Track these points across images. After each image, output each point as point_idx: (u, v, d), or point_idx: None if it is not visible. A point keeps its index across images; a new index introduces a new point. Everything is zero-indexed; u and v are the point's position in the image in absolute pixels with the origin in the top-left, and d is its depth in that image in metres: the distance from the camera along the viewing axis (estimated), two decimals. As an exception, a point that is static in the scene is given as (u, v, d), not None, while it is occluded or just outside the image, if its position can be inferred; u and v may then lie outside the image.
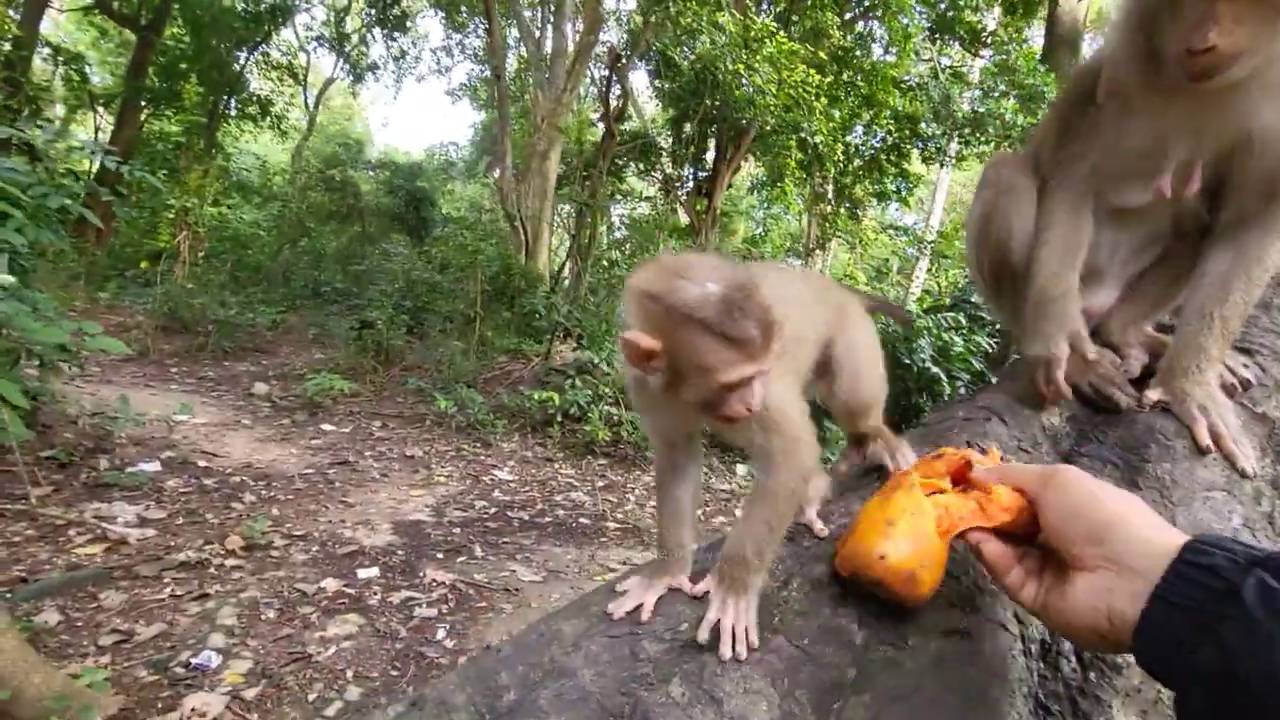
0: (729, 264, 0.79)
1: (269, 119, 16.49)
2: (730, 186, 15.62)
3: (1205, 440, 0.92)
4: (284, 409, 7.11)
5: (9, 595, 2.95)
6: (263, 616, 3.21)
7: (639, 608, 0.80)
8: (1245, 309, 0.97)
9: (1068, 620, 0.62)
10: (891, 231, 14.75)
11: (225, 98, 15.74)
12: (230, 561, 3.68)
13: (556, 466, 6.62)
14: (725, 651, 0.70)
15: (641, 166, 16.50)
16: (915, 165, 13.09)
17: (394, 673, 2.95)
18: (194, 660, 2.76)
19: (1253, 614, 0.48)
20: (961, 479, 0.77)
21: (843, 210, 13.91)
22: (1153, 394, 0.99)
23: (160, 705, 2.51)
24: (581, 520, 5.26)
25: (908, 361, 6.49)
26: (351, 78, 19.85)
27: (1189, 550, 0.54)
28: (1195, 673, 0.50)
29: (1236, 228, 1.00)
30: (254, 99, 16.36)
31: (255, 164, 17.95)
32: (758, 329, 0.73)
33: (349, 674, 2.88)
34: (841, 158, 11.61)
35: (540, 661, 0.67)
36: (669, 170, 15.36)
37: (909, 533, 0.69)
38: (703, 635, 0.73)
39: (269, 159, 19.15)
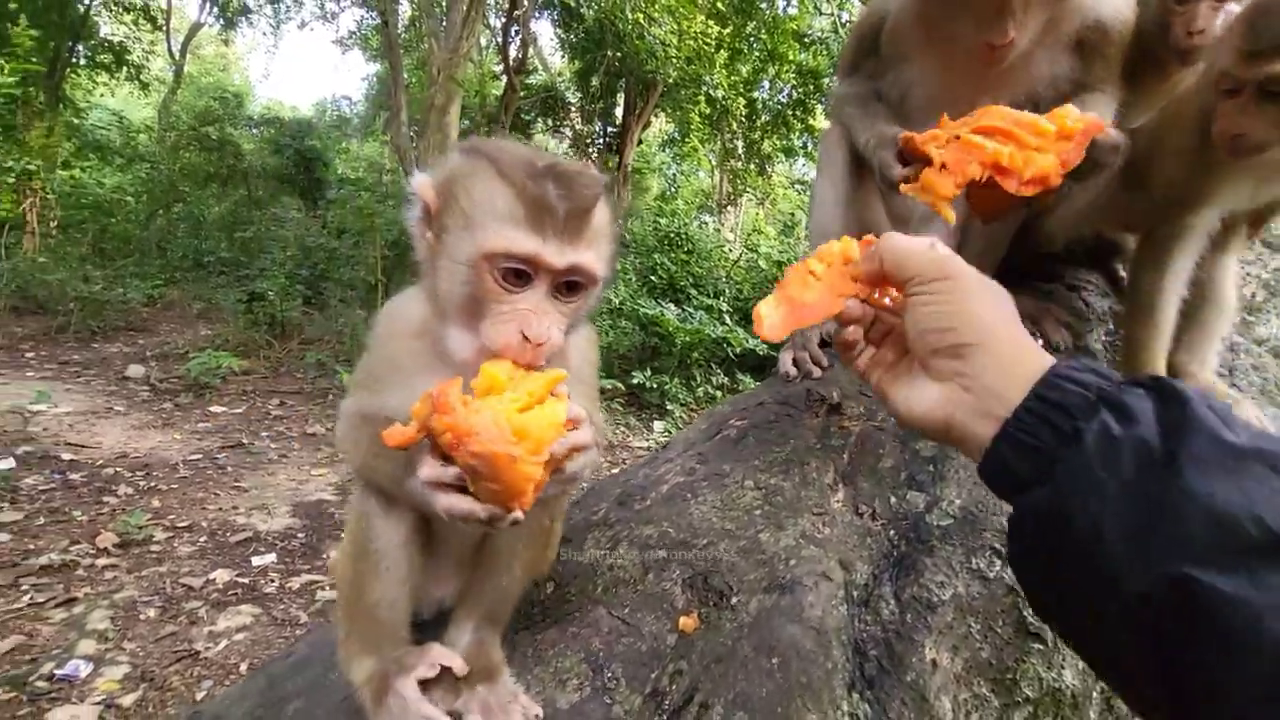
0: None
1: (125, 69, 14.63)
2: (641, 143, 15.41)
3: None
4: (165, 392, 6.53)
5: None
6: (141, 616, 2.98)
7: None
8: None
9: (908, 410, 0.60)
10: (799, 186, 15.05)
11: (70, 44, 13.79)
12: (102, 561, 3.37)
13: (471, 435, 6.45)
14: None
15: (550, 122, 15.96)
16: (820, 121, 13.33)
17: (293, 661, 2.82)
18: (59, 671, 2.53)
19: (1089, 461, 0.48)
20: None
21: (752, 166, 14.03)
22: None
23: (19, 724, 2.29)
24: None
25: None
26: (222, 23, 17.90)
27: (1044, 385, 0.53)
28: (1030, 507, 0.52)
29: None
30: (106, 45, 14.43)
31: (113, 121, 15.99)
32: None
33: (242, 667, 2.73)
34: (745, 113, 11.62)
35: None
36: (578, 126, 14.94)
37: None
38: None
39: (130, 115, 17.09)
